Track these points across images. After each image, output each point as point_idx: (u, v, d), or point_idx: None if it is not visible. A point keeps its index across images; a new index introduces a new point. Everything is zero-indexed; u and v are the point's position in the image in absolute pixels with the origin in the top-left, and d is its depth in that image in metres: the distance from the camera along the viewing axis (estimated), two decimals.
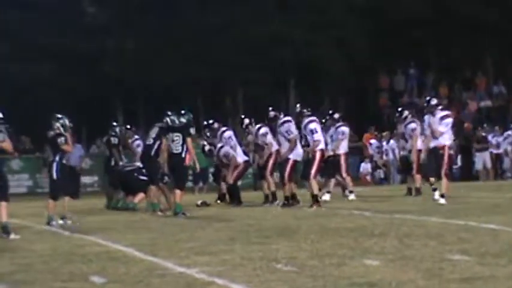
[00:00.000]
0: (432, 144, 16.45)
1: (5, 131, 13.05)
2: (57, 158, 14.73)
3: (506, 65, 37.31)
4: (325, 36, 35.98)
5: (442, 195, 16.29)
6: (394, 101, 35.29)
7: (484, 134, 30.03)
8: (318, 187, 17.04)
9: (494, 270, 7.65)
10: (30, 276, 8.49)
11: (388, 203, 17.75)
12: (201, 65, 34.86)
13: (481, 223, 11.79)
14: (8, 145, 13.03)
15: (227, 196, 19.42)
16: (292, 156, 16.93)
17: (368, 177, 31.65)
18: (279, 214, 15.63)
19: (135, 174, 18.85)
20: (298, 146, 17.05)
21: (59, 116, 15.14)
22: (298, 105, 17.75)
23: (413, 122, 19.40)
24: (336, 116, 19.87)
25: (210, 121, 19.96)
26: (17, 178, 29.67)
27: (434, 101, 16.74)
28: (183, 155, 16.18)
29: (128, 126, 21.39)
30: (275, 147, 18.17)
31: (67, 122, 15.03)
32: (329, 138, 19.17)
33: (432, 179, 16.61)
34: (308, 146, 16.66)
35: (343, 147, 19.51)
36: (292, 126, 17.14)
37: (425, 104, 16.99)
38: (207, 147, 20.05)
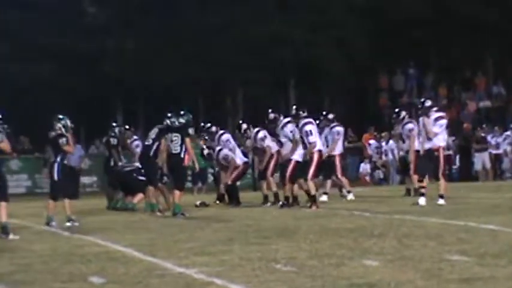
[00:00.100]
0: (427, 145, 16.48)
1: (4, 131, 13.04)
2: (58, 159, 14.71)
3: (506, 65, 37.30)
4: (325, 36, 35.97)
5: (441, 196, 16.30)
6: (394, 101, 35.27)
7: (483, 134, 30.02)
8: (315, 188, 17.09)
9: (494, 271, 7.65)
10: (30, 276, 8.50)
11: (387, 203, 17.75)
12: (201, 65, 34.85)
13: (481, 224, 11.79)
14: (6, 145, 13.02)
15: (226, 196, 19.43)
16: (295, 157, 16.94)
17: (367, 178, 31.64)
18: (278, 214, 15.63)
19: (134, 174, 18.85)
20: (300, 146, 17.07)
21: (61, 116, 15.11)
22: (294, 107, 17.77)
23: (410, 122, 19.41)
24: (330, 116, 19.87)
25: (208, 124, 19.93)
26: (16, 178, 29.65)
27: (428, 103, 16.81)
28: (182, 155, 16.18)
29: (127, 127, 21.39)
30: (275, 148, 18.21)
31: (69, 122, 15.01)
32: (323, 139, 19.15)
33: (424, 183, 16.57)
34: (306, 147, 16.72)
35: (338, 148, 19.53)
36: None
37: (419, 106, 17.03)
38: (205, 151, 20.07)
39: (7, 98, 30.02)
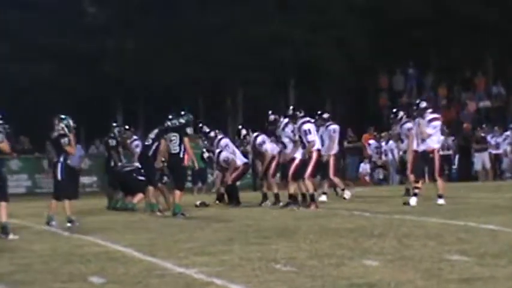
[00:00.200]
0: (422, 147, 16.52)
1: (4, 131, 13.04)
2: (61, 159, 14.70)
3: (505, 65, 37.30)
4: (325, 36, 35.95)
5: (440, 196, 16.32)
6: (394, 101, 35.27)
7: (483, 134, 30.02)
8: (314, 187, 17.12)
9: (494, 271, 7.65)
10: (30, 276, 8.50)
11: (387, 203, 17.76)
12: (201, 65, 34.84)
13: (480, 224, 11.79)
14: (5, 146, 13.03)
15: (226, 196, 19.45)
16: (298, 155, 16.97)
17: (367, 178, 31.64)
18: (278, 215, 15.63)
19: (134, 174, 18.85)
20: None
21: (63, 116, 15.10)
22: (291, 108, 17.78)
23: (408, 122, 19.41)
24: (325, 116, 19.87)
25: (207, 130, 19.93)
26: (15, 178, 29.63)
27: (423, 104, 16.94)
28: (181, 155, 16.17)
29: (127, 127, 21.38)
30: (275, 150, 18.27)
31: (71, 122, 15.00)
32: (319, 138, 19.14)
33: (418, 184, 16.58)
34: (305, 147, 16.75)
35: (333, 148, 19.54)
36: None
37: (414, 107, 17.08)
38: (205, 155, 20.07)
39: (7, 98, 30.00)
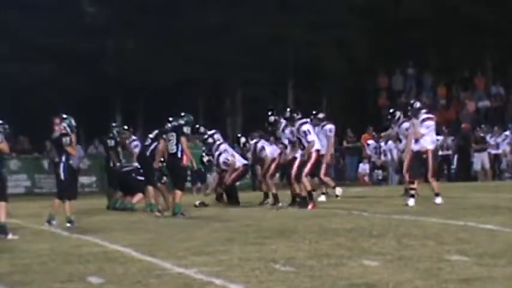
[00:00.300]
0: (415, 147, 16.54)
1: (4, 131, 13.04)
2: (63, 159, 14.70)
3: (505, 65, 37.30)
4: (325, 36, 35.94)
5: (436, 194, 16.35)
6: (393, 101, 35.27)
7: (482, 134, 30.02)
8: (312, 187, 17.13)
9: (493, 271, 7.66)
10: (29, 276, 8.50)
11: (386, 203, 17.75)
12: (201, 65, 34.84)
13: (479, 223, 11.79)
14: (4, 146, 13.03)
15: (225, 196, 19.47)
16: (299, 156, 16.99)
17: (366, 178, 31.64)
18: (278, 215, 15.64)
19: (133, 174, 18.86)
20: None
21: (65, 116, 15.12)
22: (288, 110, 17.80)
23: (406, 121, 19.41)
24: (320, 115, 19.87)
25: (205, 136, 19.91)
26: (15, 178, 29.61)
27: (417, 104, 16.99)
28: (179, 155, 16.17)
29: (126, 127, 21.38)
30: (276, 152, 18.31)
31: (73, 122, 15.01)
32: None
33: (414, 185, 16.59)
34: (304, 148, 16.77)
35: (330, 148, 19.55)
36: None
37: (409, 108, 17.12)
38: (205, 158, 20.08)
39: (7, 98, 30.00)
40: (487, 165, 29.55)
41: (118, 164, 19.64)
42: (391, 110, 20.47)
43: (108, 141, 19.89)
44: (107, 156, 19.99)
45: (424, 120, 16.58)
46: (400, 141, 19.66)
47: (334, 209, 16.21)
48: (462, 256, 8.62)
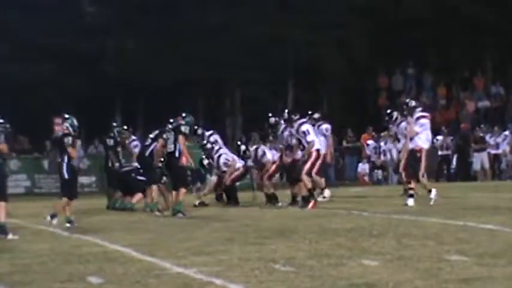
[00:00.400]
0: (410, 146, 16.56)
1: (4, 131, 13.04)
2: (65, 159, 14.69)
3: (505, 65, 37.29)
4: (325, 36, 35.93)
5: (429, 191, 16.40)
6: (393, 101, 35.27)
7: (482, 134, 30.03)
8: (313, 186, 17.13)
9: (492, 271, 7.66)
10: (29, 276, 8.50)
11: (386, 203, 17.75)
12: (201, 65, 34.83)
13: (479, 223, 11.79)
14: (3, 147, 13.03)
15: (224, 196, 19.49)
16: (300, 156, 17.01)
17: (366, 178, 31.64)
18: (277, 215, 15.64)
19: (133, 174, 18.85)
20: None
21: (67, 116, 15.11)
22: (286, 111, 17.80)
23: (404, 121, 19.41)
24: (316, 115, 19.88)
25: (204, 142, 19.90)
26: (14, 178, 29.58)
27: (412, 103, 17.07)
28: (177, 154, 16.17)
29: (125, 127, 21.38)
30: (276, 156, 18.36)
31: (75, 121, 15.01)
32: None
33: (412, 185, 16.59)
34: (304, 148, 16.77)
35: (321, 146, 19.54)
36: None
37: (404, 106, 17.14)
38: (205, 161, 20.08)
39: (7, 98, 29.99)
40: (487, 165, 29.55)
41: (117, 164, 19.63)
42: (388, 111, 20.47)
43: (108, 140, 19.88)
44: (106, 156, 19.99)
45: (418, 118, 16.60)
46: (399, 141, 19.67)
47: (334, 209, 16.21)
48: (462, 256, 8.62)
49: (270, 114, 18.12)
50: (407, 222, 12.73)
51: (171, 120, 17.00)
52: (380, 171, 31.19)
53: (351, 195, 21.11)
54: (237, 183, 19.67)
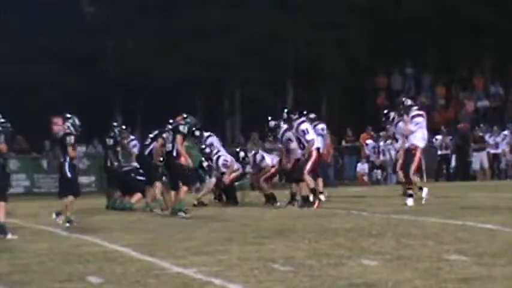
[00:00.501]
0: (406, 144, 16.59)
1: (5, 130, 13.05)
2: (67, 158, 14.70)
3: (504, 65, 37.29)
4: (325, 36, 35.94)
5: (420, 188, 16.49)
6: (392, 101, 35.26)
7: (481, 134, 30.05)
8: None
9: (492, 271, 7.66)
10: (28, 276, 8.50)
11: (385, 203, 17.76)
12: (200, 65, 34.84)
13: (479, 223, 11.79)
14: (3, 147, 13.03)
15: (224, 196, 19.51)
16: (300, 155, 17.04)
17: (365, 178, 31.64)
18: (276, 214, 15.64)
19: (132, 174, 18.85)
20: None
21: (69, 115, 15.12)
22: (285, 111, 17.81)
23: (401, 120, 19.40)
24: (312, 115, 19.88)
25: (202, 146, 19.90)
26: (14, 178, 29.56)
27: (408, 102, 17.09)
28: (175, 153, 16.18)
29: (124, 127, 21.37)
30: (275, 160, 18.38)
31: (77, 121, 15.02)
32: None
33: (411, 185, 16.62)
34: (303, 147, 16.79)
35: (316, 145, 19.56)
36: None
37: (400, 105, 17.15)
38: (205, 163, 20.09)
39: (7, 98, 29.99)
40: (486, 164, 29.57)
41: (116, 163, 19.62)
42: (386, 111, 20.47)
43: (107, 140, 19.87)
44: (106, 156, 19.99)
45: (413, 116, 16.61)
46: (397, 140, 19.66)
47: (333, 209, 16.21)
48: (461, 256, 8.62)
49: (270, 118, 18.11)
50: (407, 222, 12.73)
51: (171, 121, 17.00)
52: (379, 171, 31.19)
53: (350, 195, 21.12)
54: (236, 183, 19.68)
